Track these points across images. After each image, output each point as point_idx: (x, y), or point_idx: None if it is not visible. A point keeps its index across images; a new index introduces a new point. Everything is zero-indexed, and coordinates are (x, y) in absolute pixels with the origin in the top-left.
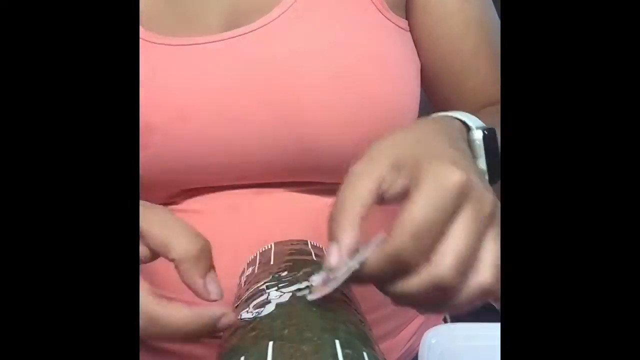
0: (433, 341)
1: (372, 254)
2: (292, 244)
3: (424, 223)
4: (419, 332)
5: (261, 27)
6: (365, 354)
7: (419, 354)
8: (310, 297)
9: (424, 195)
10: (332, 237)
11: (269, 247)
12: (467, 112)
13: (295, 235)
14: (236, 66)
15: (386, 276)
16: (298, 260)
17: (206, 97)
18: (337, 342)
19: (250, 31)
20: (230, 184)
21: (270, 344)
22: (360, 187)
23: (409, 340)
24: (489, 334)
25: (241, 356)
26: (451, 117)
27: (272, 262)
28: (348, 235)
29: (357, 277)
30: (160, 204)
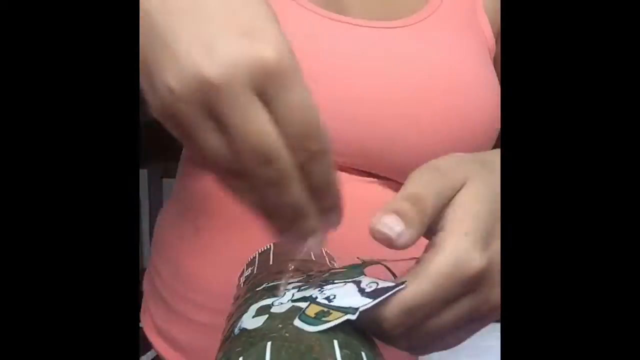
0: None
1: (389, 311)
2: None
3: (418, 307)
4: None
5: (413, 24)
6: (363, 354)
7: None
8: (299, 325)
9: (434, 276)
10: (405, 217)
11: (268, 247)
12: None
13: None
14: (382, 57)
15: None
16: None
17: (331, 73)
18: (335, 342)
19: (404, 25)
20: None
21: (269, 344)
22: (442, 193)
23: None
24: (489, 334)
25: (240, 356)
26: None
27: (271, 263)
28: (417, 233)
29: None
30: None
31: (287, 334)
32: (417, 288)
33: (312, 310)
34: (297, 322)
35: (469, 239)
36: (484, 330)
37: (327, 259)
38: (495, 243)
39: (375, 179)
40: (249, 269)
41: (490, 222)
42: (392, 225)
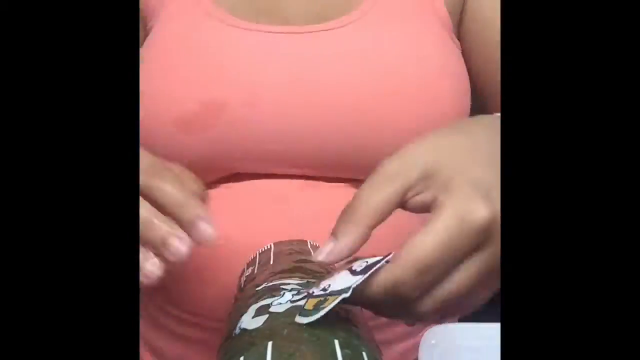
0: (433, 341)
1: (372, 282)
2: (291, 244)
3: (432, 262)
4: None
5: (340, 27)
6: (364, 353)
7: (419, 354)
8: (300, 320)
9: (441, 230)
10: (334, 232)
11: (269, 247)
12: None
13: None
14: (312, 60)
15: (383, 305)
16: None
17: (278, 85)
18: (336, 341)
19: (331, 29)
20: (281, 173)
21: (270, 344)
22: (383, 192)
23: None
24: (489, 334)
25: (240, 356)
26: None
27: (271, 262)
28: (350, 240)
29: (353, 301)
30: (211, 184)
31: (287, 334)
32: (427, 242)
33: (310, 304)
34: (298, 318)
35: (467, 192)
36: (484, 330)
37: None
38: (494, 191)
39: (344, 183)
40: (250, 269)
41: (480, 172)
42: (327, 249)
